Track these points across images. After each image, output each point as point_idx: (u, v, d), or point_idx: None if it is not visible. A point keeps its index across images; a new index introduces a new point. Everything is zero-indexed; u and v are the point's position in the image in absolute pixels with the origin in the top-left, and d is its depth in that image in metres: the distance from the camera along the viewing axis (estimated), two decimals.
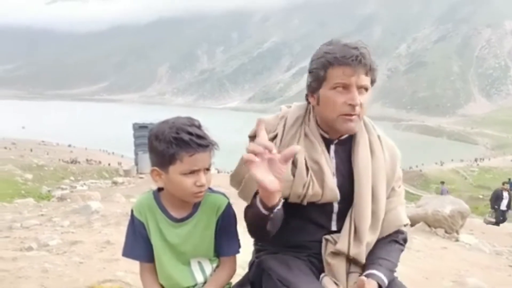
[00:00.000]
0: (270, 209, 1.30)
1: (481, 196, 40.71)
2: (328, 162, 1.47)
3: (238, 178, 1.54)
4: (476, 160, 72.57)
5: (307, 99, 1.53)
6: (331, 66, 1.39)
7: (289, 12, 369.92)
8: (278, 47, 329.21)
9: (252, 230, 1.46)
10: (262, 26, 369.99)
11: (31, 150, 44.25)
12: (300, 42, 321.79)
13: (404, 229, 1.58)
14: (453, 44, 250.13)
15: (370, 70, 1.40)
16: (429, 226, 6.17)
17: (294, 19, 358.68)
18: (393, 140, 1.54)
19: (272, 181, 1.22)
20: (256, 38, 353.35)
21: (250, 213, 1.39)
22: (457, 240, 5.89)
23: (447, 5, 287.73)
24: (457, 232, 6.13)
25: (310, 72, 1.46)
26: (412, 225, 6.33)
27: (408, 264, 3.97)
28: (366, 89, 1.42)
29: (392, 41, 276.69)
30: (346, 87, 1.39)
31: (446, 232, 6.05)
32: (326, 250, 1.47)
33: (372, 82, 1.44)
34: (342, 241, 1.45)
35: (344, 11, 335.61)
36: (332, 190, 1.44)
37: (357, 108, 1.40)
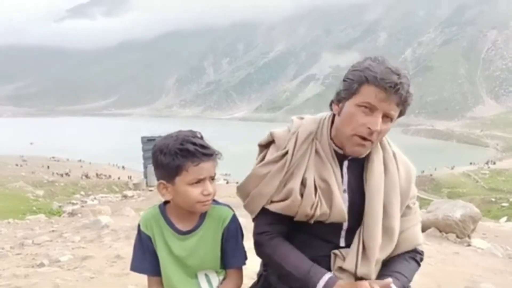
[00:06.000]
0: None
1: (493, 199, 40.17)
2: (338, 180, 1.44)
3: (245, 191, 1.53)
4: (487, 162, 71.68)
5: (331, 106, 1.48)
6: (367, 83, 1.32)
7: (294, 21, 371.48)
8: (284, 56, 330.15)
9: (273, 267, 1.48)
10: (267, 36, 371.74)
11: (48, 167, 44.59)
12: (305, 50, 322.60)
13: (421, 248, 1.56)
14: (459, 47, 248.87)
15: (403, 103, 1.34)
16: (440, 231, 6.10)
17: (299, 28, 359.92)
18: (402, 145, 1.51)
19: None
20: (262, 48, 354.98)
21: (293, 268, 1.40)
22: (469, 245, 5.81)
23: (451, 8, 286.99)
24: (468, 236, 6.06)
25: (344, 80, 1.40)
26: (423, 231, 6.26)
27: (419, 271, 3.91)
28: (391, 120, 1.37)
29: (398, 47, 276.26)
30: (372, 109, 1.33)
31: (457, 237, 5.98)
32: (335, 265, 1.45)
33: (400, 114, 1.39)
34: (350, 260, 1.42)
35: (349, 19, 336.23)
36: (340, 211, 1.41)
37: (374, 135, 1.35)
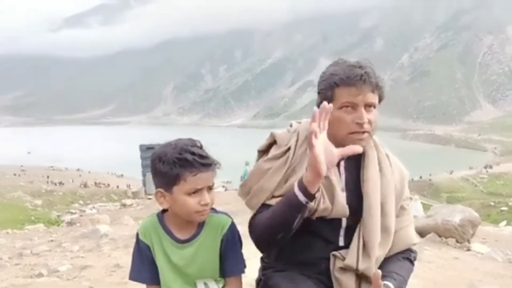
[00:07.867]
0: (310, 197, 1.29)
1: (492, 204, 40.15)
2: (337, 178, 1.49)
3: (247, 187, 1.56)
4: (485, 167, 71.81)
5: None
6: (337, 87, 1.42)
7: (291, 27, 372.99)
8: (281, 62, 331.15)
9: (268, 232, 1.42)
10: (265, 42, 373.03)
11: (48, 177, 44.44)
12: (303, 56, 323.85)
13: (415, 248, 1.61)
14: (455, 52, 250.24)
15: (376, 88, 1.43)
16: (440, 236, 6.08)
17: (296, 35, 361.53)
18: (401, 150, 1.55)
19: (325, 164, 1.24)
20: (259, 55, 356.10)
21: (278, 208, 1.38)
22: (468, 250, 5.80)
23: (447, 14, 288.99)
24: (468, 241, 6.05)
25: (318, 93, 1.50)
26: (422, 236, 6.25)
27: (420, 276, 3.92)
28: (374, 106, 1.45)
29: (394, 52, 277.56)
30: (353, 106, 1.42)
31: (457, 241, 5.96)
32: (335, 266, 1.47)
33: (380, 99, 1.47)
34: (351, 256, 1.45)
35: (346, 25, 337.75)
36: (342, 205, 1.45)
37: (366, 126, 1.43)
